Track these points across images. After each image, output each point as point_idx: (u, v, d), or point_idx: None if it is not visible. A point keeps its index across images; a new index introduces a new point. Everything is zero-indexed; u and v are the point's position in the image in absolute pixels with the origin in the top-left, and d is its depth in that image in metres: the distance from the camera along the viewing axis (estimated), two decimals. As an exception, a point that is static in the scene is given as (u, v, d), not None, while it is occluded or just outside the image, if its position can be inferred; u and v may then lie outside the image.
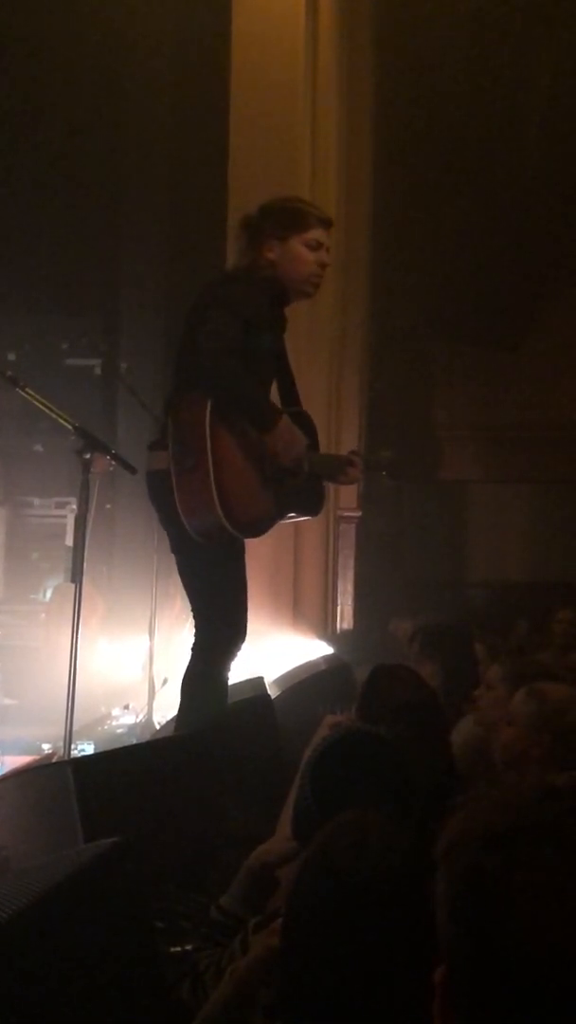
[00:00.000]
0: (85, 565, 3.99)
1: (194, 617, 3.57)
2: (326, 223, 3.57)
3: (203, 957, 2.12)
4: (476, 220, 8.95)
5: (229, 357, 3.23)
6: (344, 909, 1.38)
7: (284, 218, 3.51)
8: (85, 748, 4.38)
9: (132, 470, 4.06)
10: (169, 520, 3.48)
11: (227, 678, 3.59)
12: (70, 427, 4.00)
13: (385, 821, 1.48)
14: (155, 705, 5.14)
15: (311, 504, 3.75)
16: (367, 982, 1.34)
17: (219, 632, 3.51)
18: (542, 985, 0.94)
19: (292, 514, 3.69)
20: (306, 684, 4.99)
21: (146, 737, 4.69)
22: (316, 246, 3.53)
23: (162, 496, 3.42)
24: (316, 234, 3.53)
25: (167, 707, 4.72)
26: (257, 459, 3.38)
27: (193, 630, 3.59)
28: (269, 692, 4.58)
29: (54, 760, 3.93)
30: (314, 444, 3.77)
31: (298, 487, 3.58)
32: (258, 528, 3.44)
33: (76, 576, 3.96)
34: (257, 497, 3.39)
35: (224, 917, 2.19)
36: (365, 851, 1.42)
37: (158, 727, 4.78)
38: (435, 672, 3.70)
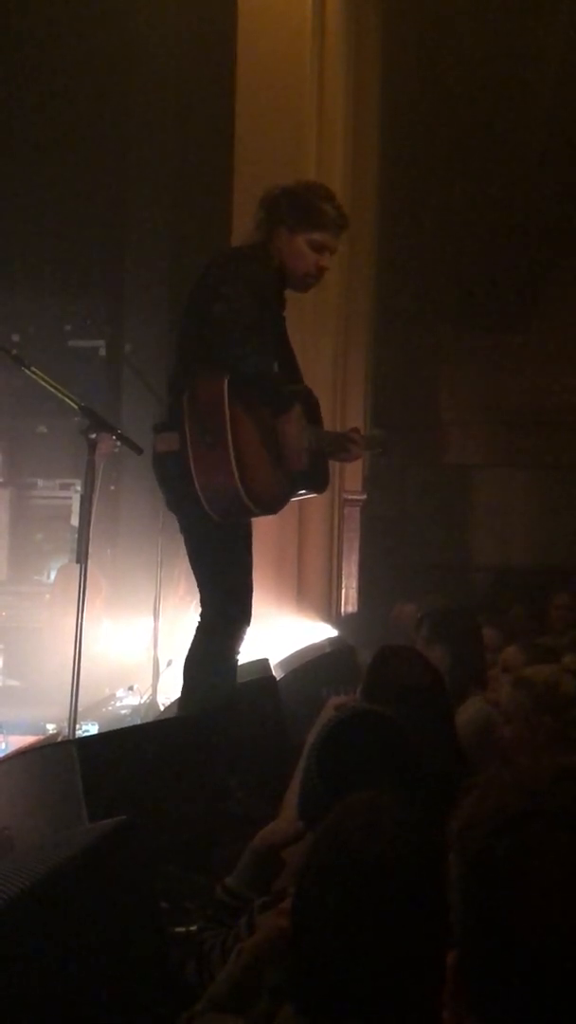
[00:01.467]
0: (89, 546, 3.99)
1: (201, 599, 3.57)
2: (340, 227, 3.56)
3: (208, 937, 2.12)
4: (483, 201, 8.91)
5: (248, 334, 3.24)
6: (356, 890, 1.38)
7: (299, 211, 3.51)
8: (89, 729, 4.38)
9: (138, 450, 4.05)
10: (177, 502, 3.47)
11: (236, 660, 3.60)
12: (76, 407, 3.99)
13: (397, 802, 1.47)
14: (159, 686, 5.14)
15: (318, 481, 3.76)
16: (378, 963, 1.33)
17: (226, 614, 3.51)
18: (554, 971, 0.93)
19: (302, 491, 3.70)
20: (310, 666, 5.00)
21: (150, 718, 4.70)
22: (319, 248, 3.53)
23: (170, 478, 3.42)
24: (323, 236, 3.52)
25: (171, 688, 4.73)
26: (270, 438, 3.39)
27: (199, 611, 3.59)
28: (274, 674, 4.59)
29: (59, 740, 3.93)
30: (317, 420, 3.77)
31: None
32: (275, 504, 3.46)
33: (81, 557, 3.96)
34: (272, 474, 3.41)
35: (229, 898, 2.19)
36: (377, 832, 1.41)
37: (162, 708, 4.79)
38: (443, 656, 3.70)
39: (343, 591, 7.26)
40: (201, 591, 3.56)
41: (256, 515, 3.43)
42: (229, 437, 3.22)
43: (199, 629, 3.55)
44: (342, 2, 6.83)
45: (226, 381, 3.23)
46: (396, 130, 8.08)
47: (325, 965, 1.36)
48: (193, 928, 2.29)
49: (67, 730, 3.80)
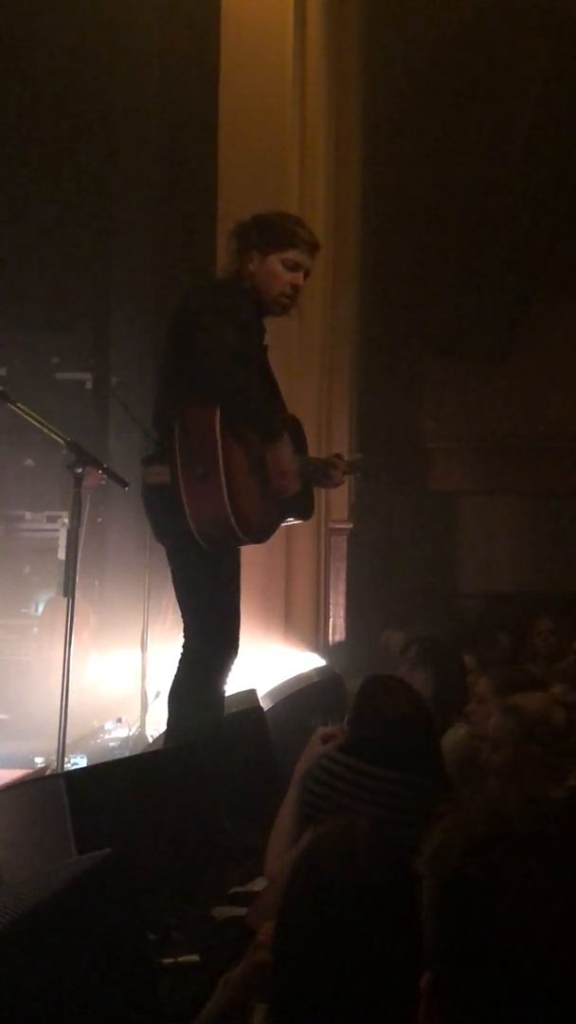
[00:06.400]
0: (77, 579, 4.00)
1: (186, 630, 3.58)
2: (311, 247, 3.63)
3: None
4: (465, 231, 9.00)
5: (234, 364, 3.28)
6: (333, 918, 1.40)
7: (269, 233, 3.58)
8: (78, 761, 4.38)
9: (124, 484, 4.08)
10: (165, 533, 3.51)
11: (224, 691, 3.61)
12: (62, 441, 4.02)
13: (371, 830, 1.50)
14: (147, 718, 5.14)
15: (304, 508, 3.79)
16: (357, 990, 1.36)
17: (213, 645, 3.53)
18: (525, 991, 0.96)
19: (290, 518, 3.74)
20: (298, 696, 5.01)
21: (139, 750, 4.69)
22: (293, 267, 3.59)
23: (159, 510, 3.45)
24: (296, 255, 3.58)
25: (159, 720, 4.73)
26: (259, 466, 3.43)
27: (183, 642, 3.61)
28: (261, 704, 4.60)
29: (47, 773, 3.93)
30: (303, 448, 3.81)
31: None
32: (263, 534, 3.49)
33: (68, 590, 3.98)
34: (262, 503, 3.45)
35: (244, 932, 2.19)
36: (352, 860, 1.44)
37: (151, 740, 4.78)
38: (427, 682, 3.73)
39: (330, 620, 7.27)
40: (187, 622, 3.58)
41: (245, 544, 3.46)
42: (221, 466, 3.25)
43: (183, 660, 3.56)
44: (323, 33, 6.92)
45: (217, 410, 3.27)
46: (378, 159, 8.19)
47: (305, 992, 1.39)
48: (180, 959, 2.30)
49: (55, 763, 3.80)
